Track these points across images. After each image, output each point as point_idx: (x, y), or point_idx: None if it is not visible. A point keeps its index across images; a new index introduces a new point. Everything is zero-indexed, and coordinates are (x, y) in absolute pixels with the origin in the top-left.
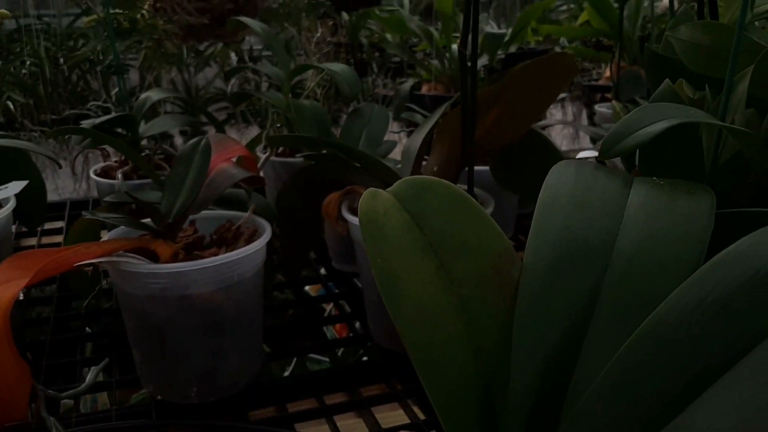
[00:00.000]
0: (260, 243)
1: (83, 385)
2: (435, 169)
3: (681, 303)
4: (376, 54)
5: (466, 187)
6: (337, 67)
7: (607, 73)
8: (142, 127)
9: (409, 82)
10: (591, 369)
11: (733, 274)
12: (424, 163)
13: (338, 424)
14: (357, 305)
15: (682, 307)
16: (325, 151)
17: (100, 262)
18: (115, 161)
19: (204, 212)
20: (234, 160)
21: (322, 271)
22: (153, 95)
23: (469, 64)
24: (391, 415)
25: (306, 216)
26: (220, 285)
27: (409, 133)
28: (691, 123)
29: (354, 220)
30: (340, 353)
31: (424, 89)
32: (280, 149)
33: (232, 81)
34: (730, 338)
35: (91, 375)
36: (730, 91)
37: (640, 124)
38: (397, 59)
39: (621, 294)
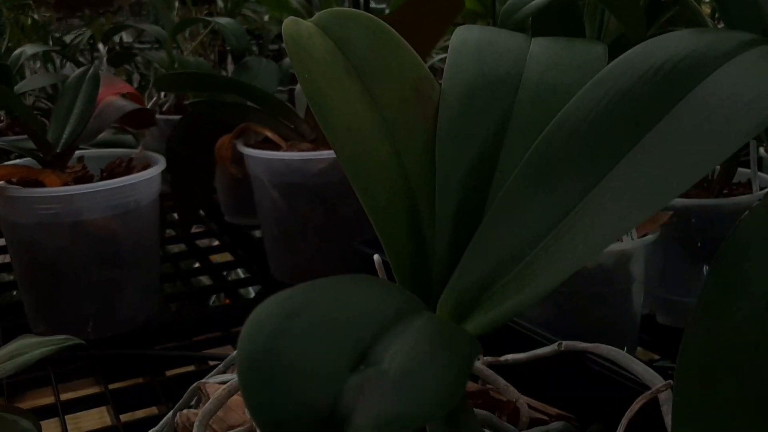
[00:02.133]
0: (156, 170)
1: None
2: None
3: (587, 98)
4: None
5: None
6: (224, 20)
7: None
8: (18, 85)
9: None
10: (506, 174)
11: (630, 72)
12: None
13: None
14: (253, 251)
15: (588, 101)
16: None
17: None
18: None
19: (93, 151)
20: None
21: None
22: (28, 50)
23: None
24: None
25: (197, 163)
26: (115, 211)
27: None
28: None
29: (252, 152)
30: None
31: None
32: (165, 107)
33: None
34: (634, 119)
35: None
36: None
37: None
38: (275, 47)
39: (530, 112)
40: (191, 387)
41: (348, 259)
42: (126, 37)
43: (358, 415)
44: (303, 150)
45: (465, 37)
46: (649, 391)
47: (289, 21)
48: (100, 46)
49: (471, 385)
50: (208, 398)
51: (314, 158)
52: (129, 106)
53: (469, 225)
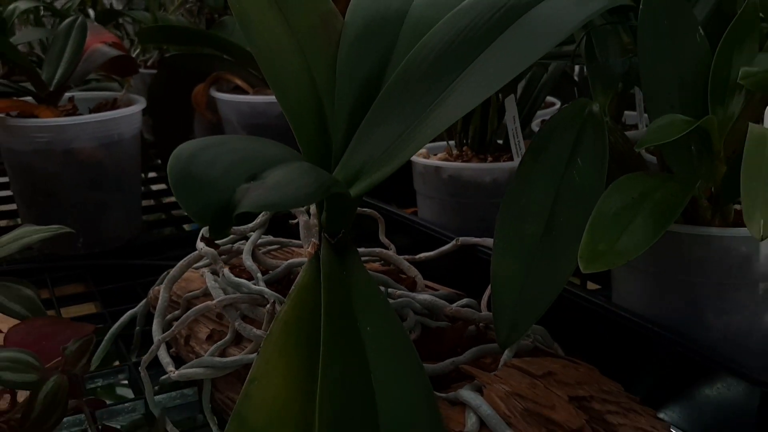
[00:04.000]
0: (137, 107)
1: None
2: None
3: (446, 24)
4: None
5: None
6: None
7: None
8: (12, 38)
9: None
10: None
11: (481, 5)
12: None
13: None
14: None
15: (448, 26)
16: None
17: None
18: None
19: (82, 93)
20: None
21: None
22: (21, 5)
23: None
24: None
25: (176, 108)
26: (101, 141)
27: None
28: None
29: (223, 96)
30: None
31: None
32: (150, 62)
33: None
34: (481, 37)
35: None
36: None
37: None
38: None
39: (409, 40)
40: (162, 277)
41: None
42: (116, 4)
43: (243, 203)
44: (268, 95)
45: None
46: None
47: None
48: (90, 11)
49: (379, 267)
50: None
51: (275, 101)
52: (113, 52)
53: (358, 123)
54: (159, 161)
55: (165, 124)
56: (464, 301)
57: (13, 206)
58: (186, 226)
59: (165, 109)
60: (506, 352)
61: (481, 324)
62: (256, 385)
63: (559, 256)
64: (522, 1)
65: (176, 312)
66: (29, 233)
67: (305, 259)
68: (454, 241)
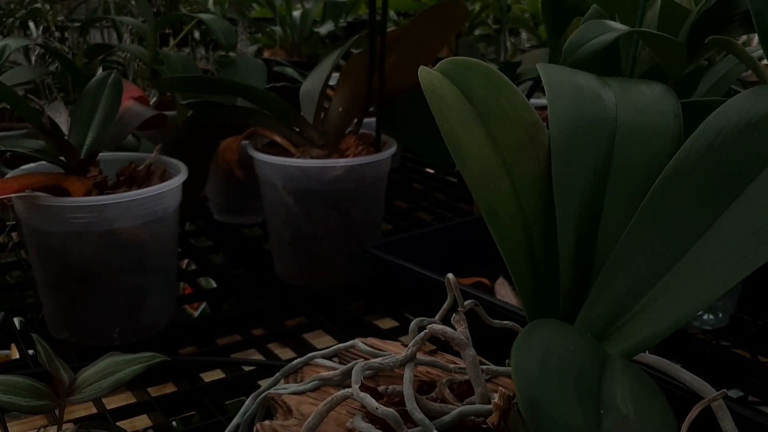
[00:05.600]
0: (180, 178)
1: None
2: (340, 109)
3: (693, 149)
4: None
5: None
6: (208, 16)
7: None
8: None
9: (252, 48)
10: (613, 211)
11: (730, 124)
12: (326, 105)
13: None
14: (249, 250)
15: (696, 152)
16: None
17: (19, 197)
18: None
19: (106, 154)
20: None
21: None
22: (12, 43)
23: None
24: (320, 341)
25: (196, 163)
26: (145, 219)
27: (281, 88)
28: (623, 34)
29: (266, 158)
30: None
31: (267, 54)
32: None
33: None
34: (737, 170)
35: None
36: (644, 8)
37: (591, 35)
38: None
39: (629, 153)
40: (259, 398)
41: (357, 260)
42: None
43: None
44: (314, 156)
45: (554, 80)
46: (705, 400)
47: (423, 71)
48: (32, 24)
49: None
50: (287, 409)
51: (331, 166)
52: (148, 112)
53: (585, 261)
54: None
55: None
56: None
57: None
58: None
59: (186, 164)
60: None
61: None
62: None
63: None
64: None
65: None
66: (119, 366)
67: (480, 407)
68: None
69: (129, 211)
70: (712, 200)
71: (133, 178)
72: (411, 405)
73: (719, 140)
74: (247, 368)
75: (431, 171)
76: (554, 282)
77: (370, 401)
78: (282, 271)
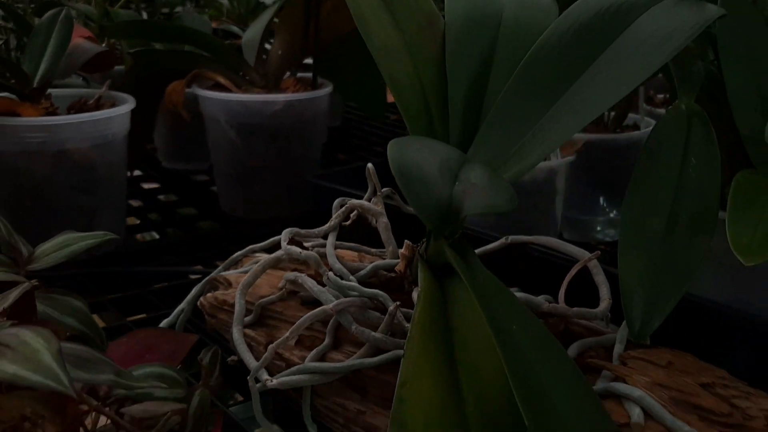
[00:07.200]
0: (129, 105)
1: None
2: (279, 53)
3: (558, 29)
4: None
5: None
6: None
7: None
8: None
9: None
10: (496, 84)
11: (588, 10)
12: (267, 46)
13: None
14: (196, 192)
15: (560, 31)
16: (158, 47)
17: None
18: None
19: (57, 91)
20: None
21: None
22: None
23: None
24: None
25: (144, 107)
26: (95, 141)
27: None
28: None
29: (211, 94)
30: None
31: (214, 25)
32: None
33: None
34: (592, 44)
35: None
36: None
37: None
38: None
39: (510, 40)
40: (203, 281)
41: (297, 193)
42: None
43: (466, 206)
44: (256, 94)
45: None
46: (583, 259)
47: None
48: None
49: None
50: (229, 284)
51: (271, 100)
52: (95, 48)
53: (472, 119)
54: None
55: (133, 122)
56: (542, 297)
57: None
58: (170, 230)
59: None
60: (617, 344)
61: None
62: (408, 389)
63: (686, 249)
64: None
65: (247, 318)
66: (74, 240)
67: (390, 261)
68: (503, 239)
69: (80, 132)
70: (570, 69)
71: (84, 110)
72: (332, 259)
73: (578, 21)
74: (193, 277)
75: (371, 128)
76: (446, 138)
77: (295, 249)
78: (226, 205)
